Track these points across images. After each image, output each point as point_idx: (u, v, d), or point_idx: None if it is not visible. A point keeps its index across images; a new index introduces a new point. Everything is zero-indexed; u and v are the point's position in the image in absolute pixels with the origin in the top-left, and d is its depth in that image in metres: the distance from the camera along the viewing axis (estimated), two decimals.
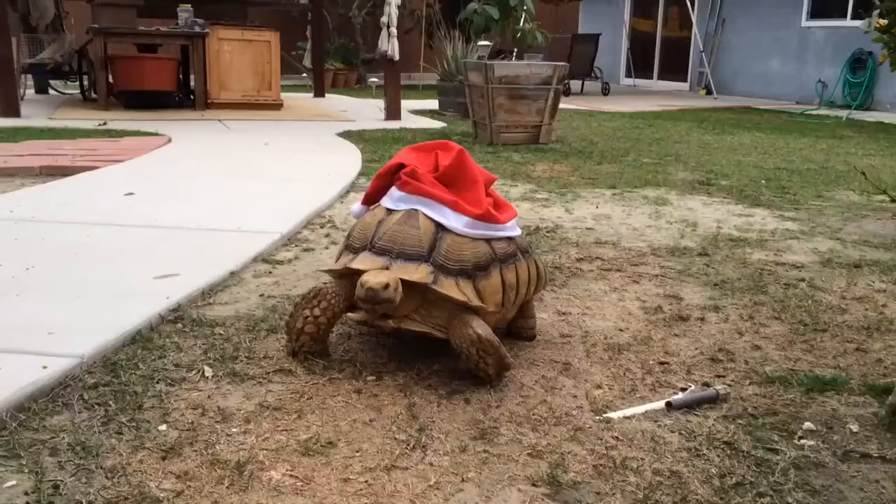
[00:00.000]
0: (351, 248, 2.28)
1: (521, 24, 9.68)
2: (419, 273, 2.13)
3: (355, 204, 2.56)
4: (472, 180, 2.38)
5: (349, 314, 2.23)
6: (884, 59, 6.40)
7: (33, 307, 2.51)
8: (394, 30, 8.65)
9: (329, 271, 2.32)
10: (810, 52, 13.46)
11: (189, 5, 9.23)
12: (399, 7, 8.73)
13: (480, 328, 2.10)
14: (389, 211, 2.30)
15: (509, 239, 2.36)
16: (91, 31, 8.80)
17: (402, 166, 2.37)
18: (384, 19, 8.64)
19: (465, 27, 9.88)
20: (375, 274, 2.06)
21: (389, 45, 8.62)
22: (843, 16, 12.96)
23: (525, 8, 10.01)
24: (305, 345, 2.25)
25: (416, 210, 2.25)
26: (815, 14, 13.47)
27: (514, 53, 9.78)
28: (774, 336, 2.64)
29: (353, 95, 12.84)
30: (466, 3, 10.29)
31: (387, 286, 2.03)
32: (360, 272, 2.12)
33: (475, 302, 2.17)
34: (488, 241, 2.29)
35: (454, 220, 2.25)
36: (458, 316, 2.14)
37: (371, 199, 2.47)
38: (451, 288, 2.14)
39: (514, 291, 2.32)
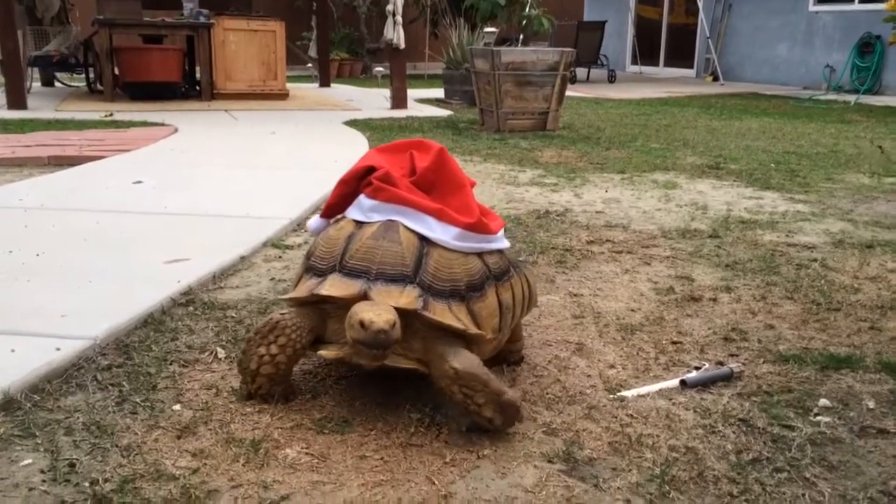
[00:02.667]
0: (314, 270, 1.91)
1: (528, 9, 9.61)
2: (406, 298, 1.78)
3: (312, 218, 2.20)
4: (458, 183, 2.06)
5: (321, 352, 1.85)
6: (893, 40, 6.34)
7: (45, 292, 2.51)
8: (399, 18, 8.62)
9: (290, 299, 1.92)
10: (818, 37, 13.36)
11: None
12: None
13: (457, 361, 1.75)
14: (359, 224, 1.94)
15: (500, 252, 2.05)
16: (96, 23, 8.79)
17: (370, 170, 2.02)
18: (389, 7, 8.61)
19: (471, 14, 9.83)
20: (374, 309, 1.69)
21: (395, 33, 8.60)
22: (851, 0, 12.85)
23: None
24: (263, 387, 1.88)
25: (394, 221, 1.91)
26: None
27: (520, 40, 9.73)
28: (787, 315, 2.62)
29: (359, 85, 12.82)
30: None
31: (394, 324, 1.67)
32: (330, 299, 1.82)
33: (473, 329, 1.85)
34: (479, 255, 1.96)
35: (441, 232, 1.92)
36: (434, 348, 1.80)
37: (333, 211, 2.10)
38: (444, 314, 1.80)
39: (511, 313, 2.02)
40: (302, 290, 1.87)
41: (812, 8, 13.46)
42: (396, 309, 1.74)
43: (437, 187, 2.04)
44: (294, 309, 1.87)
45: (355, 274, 1.82)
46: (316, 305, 1.88)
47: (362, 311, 1.68)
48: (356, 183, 2.03)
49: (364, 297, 1.78)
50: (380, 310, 1.69)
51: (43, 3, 9.64)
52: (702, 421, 1.91)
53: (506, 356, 2.17)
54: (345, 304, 1.80)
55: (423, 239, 1.90)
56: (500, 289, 1.98)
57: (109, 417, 1.79)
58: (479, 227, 1.97)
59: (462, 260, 1.91)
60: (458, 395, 1.76)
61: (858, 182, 5.03)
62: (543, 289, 2.82)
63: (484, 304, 1.91)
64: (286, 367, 1.86)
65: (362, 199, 1.99)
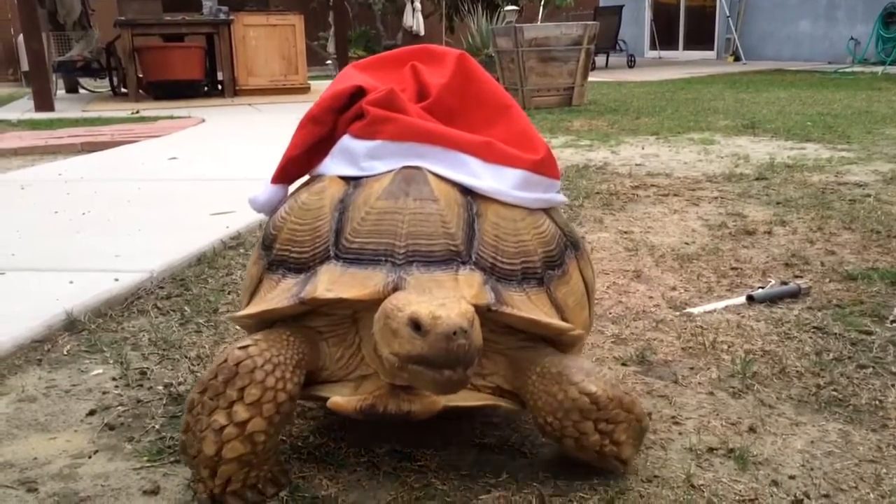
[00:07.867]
0: (287, 264, 1.21)
1: None
2: (469, 287, 1.13)
3: (259, 189, 1.40)
4: (499, 104, 1.36)
5: (334, 399, 1.14)
6: None
7: (96, 239, 2.51)
8: (417, 4, 8.65)
9: (254, 315, 1.18)
10: (840, 10, 13.18)
11: None
12: None
13: (589, 381, 1.15)
14: (352, 181, 1.24)
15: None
16: (118, 24, 8.85)
17: (357, 95, 1.31)
18: None
19: None
20: (430, 299, 1.04)
21: (414, 19, 8.61)
22: None
23: None
24: (235, 481, 1.11)
25: (416, 168, 1.22)
26: None
27: (540, 17, 9.65)
28: (847, 243, 2.55)
29: None
30: None
31: (473, 320, 1.02)
32: (339, 304, 1.13)
33: (577, 330, 1.24)
34: (546, 212, 1.32)
35: (492, 178, 1.24)
36: (535, 363, 1.17)
37: (294, 169, 1.34)
38: (527, 306, 1.18)
39: (593, 297, 1.44)
40: (278, 299, 1.15)
41: None
42: None
43: (465, 114, 1.33)
44: (263, 335, 1.13)
45: (368, 259, 1.14)
46: (300, 322, 1.17)
47: (412, 304, 1.02)
48: (334, 118, 1.31)
49: (393, 293, 1.10)
50: (440, 299, 1.04)
51: (64, 7, 9.73)
52: (775, 329, 1.85)
53: None
54: (344, 318, 1.17)
55: (466, 192, 1.23)
56: (581, 262, 1.36)
57: (175, 335, 1.77)
58: (547, 166, 1.30)
59: (530, 220, 1.25)
60: (593, 437, 1.13)
61: None
62: (592, 228, 2.77)
63: (569, 289, 1.27)
64: (267, 440, 1.09)
65: (348, 143, 1.27)
